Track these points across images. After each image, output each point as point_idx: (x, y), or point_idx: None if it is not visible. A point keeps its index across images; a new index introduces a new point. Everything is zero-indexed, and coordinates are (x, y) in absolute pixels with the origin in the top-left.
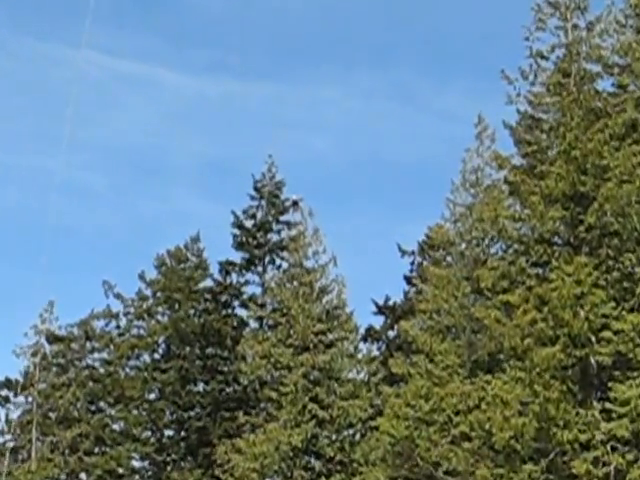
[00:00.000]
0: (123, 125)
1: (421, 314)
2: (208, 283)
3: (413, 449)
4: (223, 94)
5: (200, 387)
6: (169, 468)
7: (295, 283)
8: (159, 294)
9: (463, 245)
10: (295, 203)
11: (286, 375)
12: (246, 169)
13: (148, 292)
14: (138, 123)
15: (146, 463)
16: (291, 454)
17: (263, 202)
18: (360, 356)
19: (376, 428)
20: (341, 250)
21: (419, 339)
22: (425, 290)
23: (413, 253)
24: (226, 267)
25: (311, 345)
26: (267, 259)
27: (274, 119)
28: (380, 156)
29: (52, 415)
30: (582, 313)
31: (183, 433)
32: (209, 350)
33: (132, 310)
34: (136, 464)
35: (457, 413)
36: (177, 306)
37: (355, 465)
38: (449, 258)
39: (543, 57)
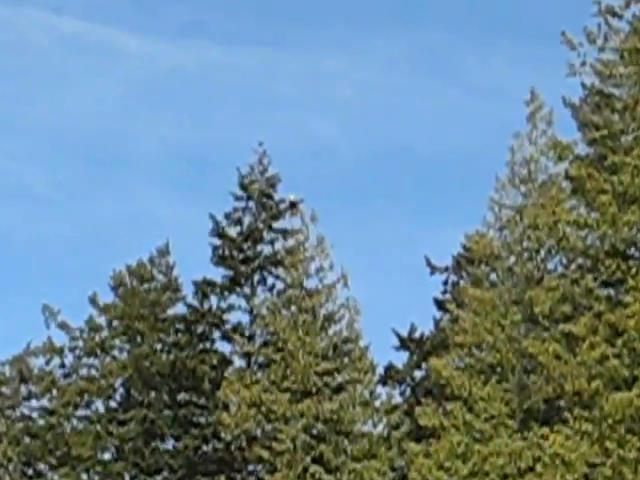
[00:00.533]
0: (71, 104)
1: (457, 349)
2: (180, 309)
3: None
4: (200, 65)
5: (169, 444)
6: None
7: (293, 309)
8: (116, 323)
9: (512, 259)
10: (293, 205)
11: (281, 429)
12: (229, 161)
13: (102, 320)
14: (91, 102)
15: None
16: None
17: (252, 204)
18: (378, 404)
19: None
20: (353, 266)
21: (455, 381)
22: (462, 317)
23: (446, 269)
24: (203, 288)
25: (314, 389)
26: (256, 278)
27: (265, 97)
28: (403, 145)
29: None
30: None
31: None
32: (181, 396)
33: (81, 344)
34: None
35: (505, 478)
36: (139, 339)
37: None
38: (493, 276)
39: (615, 15)
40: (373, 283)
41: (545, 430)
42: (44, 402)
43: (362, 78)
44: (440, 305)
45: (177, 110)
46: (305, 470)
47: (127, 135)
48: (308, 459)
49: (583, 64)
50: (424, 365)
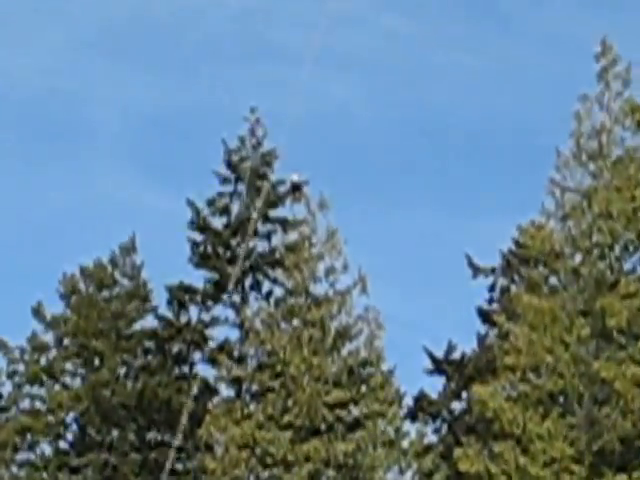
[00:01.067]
0: (4, 57)
1: (507, 373)
2: (150, 323)
3: None
4: (173, 6)
5: None
6: None
7: (296, 322)
8: (67, 341)
9: (577, 257)
10: (296, 188)
11: (282, 477)
12: (213, 131)
13: (49, 338)
14: (30, 53)
15: None
16: None
17: (241, 187)
18: (406, 444)
19: None
20: (373, 266)
21: (505, 415)
22: (514, 333)
23: (493, 271)
24: (179, 296)
25: (323, 426)
26: (248, 282)
27: (258, 45)
28: (436, 112)
29: None
30: None
31: None
32: (152, 435)
33: (21, 368)
34: None
35: None
36: (98, 361)
37: None
38: (554, 279)
39: None
40: (399, 289)
41: (622, 477)
42: None
43: (387, 24)
44: (485, 317)
45: (143, 65)
46: None
47: (79, 97)
48: None
49: None
50: (465, 394)
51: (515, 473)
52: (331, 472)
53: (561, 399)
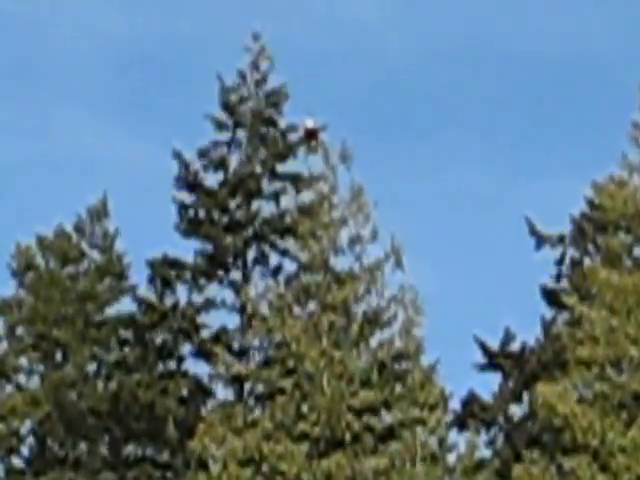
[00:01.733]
0: None
1: (581, 369)
2: (127, 306)
3: None
4: None
5: None
6: None
7: (312, 305)
8: (22, 331)
9: None
10: (311, 135)
11: None
12: (205, 64)
13: None
14: None
15: None
16: None
17: (242, 132)
18: (452, 458)
19: None
20: (410, 236)
21: (577, 422)
22: (589, 318)
23: (562, 240)
24: (164, 272)
25: (348, 436)
26: (252, 254)
27: None
28: (486, 40)
29: None
30: None
31: None
32: (129, 449)
33: None
34: None
35: None
36: (61, 356)
37: None
38: (639, 251)
39: None
40: (442, 264)
41: None
42: None
43: None
44: (552, 298)
45: None
46: None
47: (39, 24)
48: None
49: None
50: (526, 396)
51: None
52: None
53: None
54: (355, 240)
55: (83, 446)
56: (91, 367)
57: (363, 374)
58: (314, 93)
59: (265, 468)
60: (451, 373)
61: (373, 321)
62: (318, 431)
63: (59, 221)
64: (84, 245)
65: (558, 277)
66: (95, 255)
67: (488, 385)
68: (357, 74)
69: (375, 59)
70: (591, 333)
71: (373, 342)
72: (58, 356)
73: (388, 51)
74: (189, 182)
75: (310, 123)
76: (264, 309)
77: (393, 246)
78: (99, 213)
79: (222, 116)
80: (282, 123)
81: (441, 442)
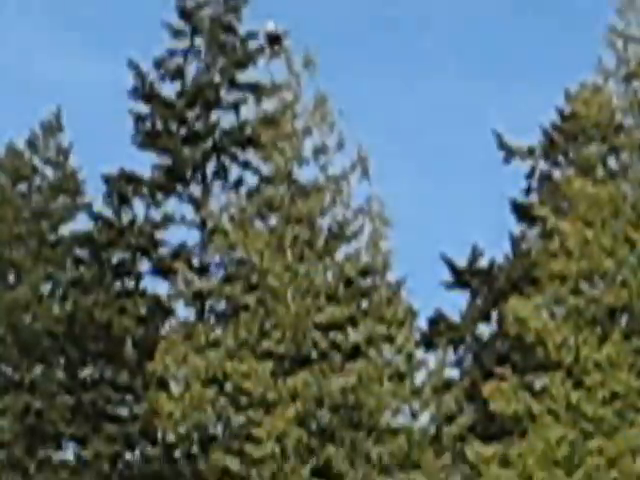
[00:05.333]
0: None
1: (554, 283)
2: (82, 224)
3: None
4: None
5: (68, 452)
6: None
7: (276, 219)
8: None
9: None
10: (273, 41)
11: (259, 421)
12: None
13: None
14: None
15: None
16: None
17: (200, 40)
18: (420, 378)
19: None
20: (377, 147)
21: (551, 338)
22: (562, 231)
23: (532, 153)
24: (120, 187)
25: (314, 354)
26: (211, 167)
27: None
28: None
29: None
30: None
31: None
32: (87, 372)
33: None
34: None
35: None
36: (14, 276)
37: None
38: (614, 160)
39: None
40: (408, 177)
41: None
42: None
43: None
44: (522, 212)
45: None
46: None
47: None
48: (306, 471)
49: None
50: (495, 314)
51: (566, 413)
52: (324, 413)
53: (625, 317)
54: (320, 150)
55: (38, 369)
56: (46, 287)
57: (329, 289)
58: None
59: (229, 388)
60: (418, 291)
61: (339, 234)
62: (283, 349)
63: (9, 137)
64: (36, 161)
65: (528, 191)
66: (48, 172)
67: (456, 303)
68: None
69: None
70: (564, 246)
71: (339, 256)
72: (11, 277)
73: None
74: (145, 93)
75: (272, 26)
76: (225, 224)
77: (359, 156)
78: (52, 128)
79: (179, 23)
80: (242, 30)
81: (408, 360)
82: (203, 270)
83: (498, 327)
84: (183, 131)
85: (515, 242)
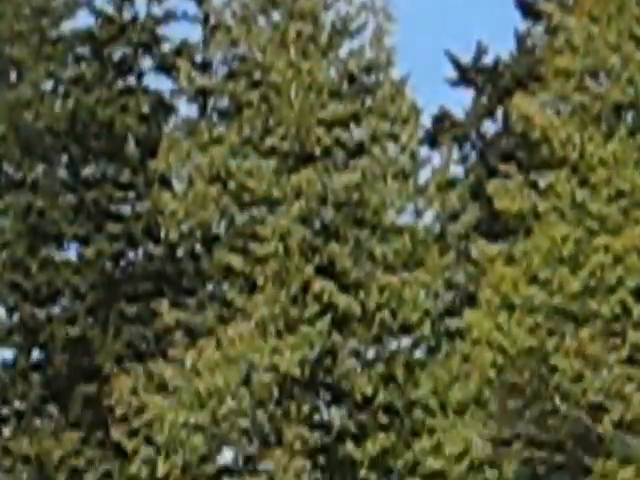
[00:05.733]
0: None
1: (560, 80)
2: (84, 20)
3: (546, 379)
4: None
5: (70, 252)
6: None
7: (279, 14)
8: None
9: None
10: None
11: (263, 218)
12: None
13: None
14: None
15: None
16: (276, 391)
17: None
18: (424, 175)
19: (457, 334)
20: None
21: (556, 135)
22: (567, 27)
23: None
24: None
25: (317, 151)
26: None
27: None
28: None
29: None
30: None
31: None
32: (89, 170)
33: None
34: None
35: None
36: (15, 75)
37: (418, 413)
38: None
39: None
40: None
41: None
42: None
43: None
44: (527, 8)
45: None
46: (305, 288)
47: None
48: (309, 269)
49: None
50: (500, 111)
51: (570, 210)
52: (328, 211)
53: (630, 113)
54: None
55: (40, 168)
56: (47, 85)
57: (332, 85)
58: None
59: (232, 185)
60: (422, 89)
61: (342, 30)
62: (287, 145)
63: None
64: None
65: None
66: None
67: (460, 101)
68: None
69: None
70: (569, 42)
71: (342, 52)
72: (12, 76)
73: None
74: None
75: None
76: (228, 19)
77: None
78: None
79: None
80: None
81: (412, 157)
82: (205, 67)
83: (503, 124)
84: None
85: (520, 39)
